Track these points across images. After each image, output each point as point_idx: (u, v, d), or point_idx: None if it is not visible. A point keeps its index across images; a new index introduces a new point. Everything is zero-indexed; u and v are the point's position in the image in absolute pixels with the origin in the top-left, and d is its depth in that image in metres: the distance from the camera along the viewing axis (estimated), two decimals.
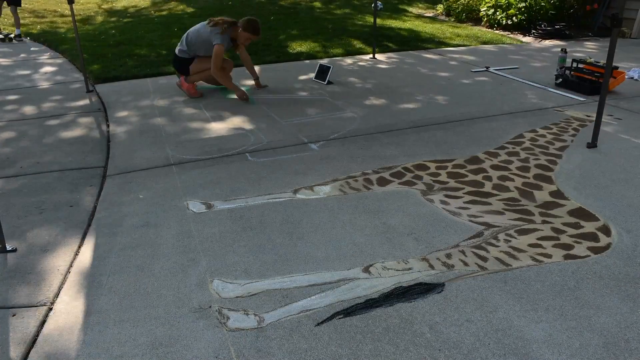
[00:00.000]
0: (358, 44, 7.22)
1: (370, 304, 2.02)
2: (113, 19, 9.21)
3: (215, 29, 4.62)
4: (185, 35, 4.81)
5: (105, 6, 10.56)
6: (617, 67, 4.94)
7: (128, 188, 3.07)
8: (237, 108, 4.55)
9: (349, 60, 6.50)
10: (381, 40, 7.35)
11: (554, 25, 8.28)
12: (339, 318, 1.95)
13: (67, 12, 9.77)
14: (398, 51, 7.05)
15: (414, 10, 10.66)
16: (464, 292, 2.09)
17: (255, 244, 2.46)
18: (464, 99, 4.80)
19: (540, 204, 2.81)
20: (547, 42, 7.88)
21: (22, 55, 6.95)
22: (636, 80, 5.44)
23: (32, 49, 7.38)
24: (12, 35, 7.91)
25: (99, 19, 9.33)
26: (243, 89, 4.85)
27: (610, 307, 2.00)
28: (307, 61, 6.43)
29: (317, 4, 10.56)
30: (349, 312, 1.98)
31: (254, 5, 10.55)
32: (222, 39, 4.60)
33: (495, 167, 3.28)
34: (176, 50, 4.89)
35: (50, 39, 7.72)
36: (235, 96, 4.84)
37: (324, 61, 6.27)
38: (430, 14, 10.18)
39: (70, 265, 2.33)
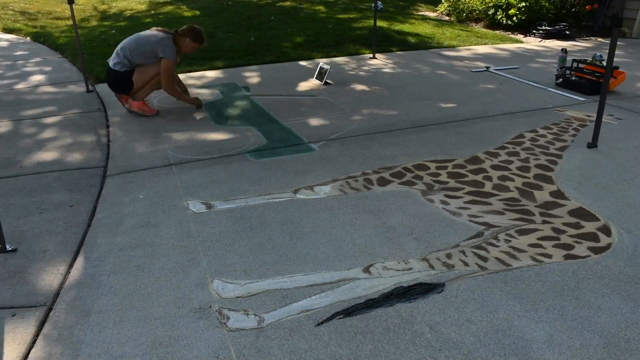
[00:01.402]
0: (358, 45, 7.22)
1: (370, 304, 2.02)
2: (112, 20, 9.21)
3: (166, 37, 4.12)
4: (119, 47, 4.19)
5: (102, 7, 10.55)
6: (617, 67, 4.94)
7: (128, 188, 3.07)
8: (237, 108, 4.55)
9: (349, 61, 6.50)
10: (381, 40, 7.35)
11: (555, 25, 8.28)
12: (339, 318, 1.95)
13: (65, 13, 9.77)
14: (398, 52, 7.05)
15: (415, 11, 10.67)
16: (464, 292, 2.09)
17: (255, 244, 2.46)
18: (464, 99, 4.80)
19: (540, 204, 2.81)
20: (548, 42, 7.88)
21: (22, 55, 6.95)
22: None
23: (31, 49, 7.38)
24: None
25: (98, 20, 9.33)
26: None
27: (611, 307, 2.00)
28: (307, 61, 6.43)
29: (319, 6, 10.56)
30: (349, 312, 1.98)
31: (253, 5, 10.55)
32: (174, 52, 4.10)
33: (495, 167, 3.27)
34: (110, 64, 4.18)
35: (49, 40, 7.72)
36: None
37: (324, 61, 6.26)
38: (432, 15, 10.18)
39: (70, 265, 2.33)
